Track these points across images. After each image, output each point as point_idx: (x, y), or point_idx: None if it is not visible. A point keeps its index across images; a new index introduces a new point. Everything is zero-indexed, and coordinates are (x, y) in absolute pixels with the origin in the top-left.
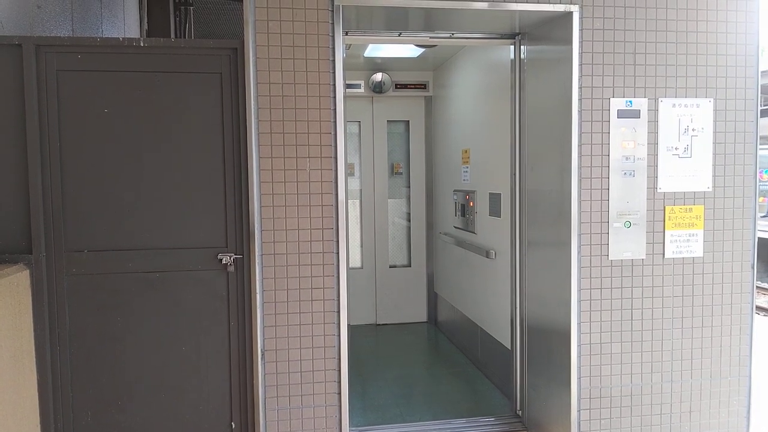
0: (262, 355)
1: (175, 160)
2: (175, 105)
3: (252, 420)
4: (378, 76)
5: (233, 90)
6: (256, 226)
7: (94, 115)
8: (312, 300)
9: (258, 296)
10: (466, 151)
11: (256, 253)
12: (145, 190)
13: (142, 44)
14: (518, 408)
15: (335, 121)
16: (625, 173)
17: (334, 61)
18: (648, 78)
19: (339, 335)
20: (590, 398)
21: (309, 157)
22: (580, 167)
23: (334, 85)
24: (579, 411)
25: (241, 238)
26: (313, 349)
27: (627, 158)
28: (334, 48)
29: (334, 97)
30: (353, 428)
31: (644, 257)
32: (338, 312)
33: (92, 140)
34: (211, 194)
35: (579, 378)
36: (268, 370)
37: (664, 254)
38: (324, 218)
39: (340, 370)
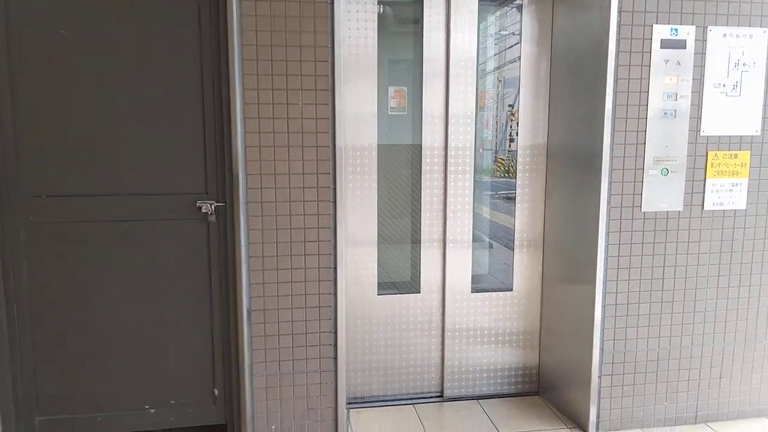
0: (248, 315)
1: (146, 92)
2: (145, 30)
3: (237, 386)
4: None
5: (212, 13)
6: (240, 169)
7: (50, 39)
8: (305, 254)
9: (243, 249)
10: None
11: (241, 201)
12: (111, 128)
13: None
14: None
15: (332, 47)
16: (665, 113)
17: None
18: (697, 3)
19: (335, 294)
20: (613, 363)
21: (301, 89)
22: (614, 105)
23: (332, 2)
24: (600, 377)
25: (223, 183)
26: (307, 309)
27: (669, 96)
28: None
29: (332, 17)
30: (350, 395)
31: (681, 209)
32: (335, 268)
33: (50, 69)
34: (188, 132)
35: (602, 341)
36: (255, 332)
37: (703, 206)
38: (319, 161)
39: (336, 333)
